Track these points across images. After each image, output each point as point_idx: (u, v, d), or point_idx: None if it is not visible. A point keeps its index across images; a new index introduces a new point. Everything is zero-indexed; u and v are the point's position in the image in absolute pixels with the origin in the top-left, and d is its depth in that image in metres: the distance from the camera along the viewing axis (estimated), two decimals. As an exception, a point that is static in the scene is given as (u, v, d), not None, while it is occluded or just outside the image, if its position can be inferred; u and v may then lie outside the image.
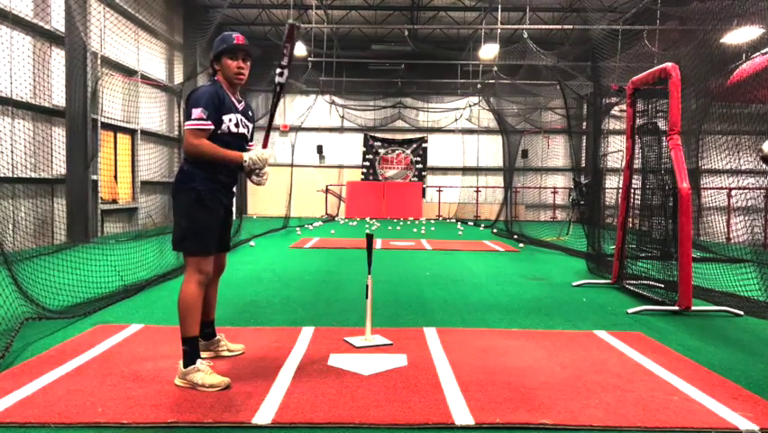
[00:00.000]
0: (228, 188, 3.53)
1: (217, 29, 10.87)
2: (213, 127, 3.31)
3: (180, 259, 7.62)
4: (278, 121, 21.99)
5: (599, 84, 9.96)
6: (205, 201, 3.34)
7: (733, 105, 7.56)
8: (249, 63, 3.51)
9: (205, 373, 3.21)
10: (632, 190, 6.90)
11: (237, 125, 3.45)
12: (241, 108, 3.54)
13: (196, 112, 3.27)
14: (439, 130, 22.38)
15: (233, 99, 3.49)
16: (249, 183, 22.93)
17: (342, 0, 17.20)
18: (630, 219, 6.89)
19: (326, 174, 22.13)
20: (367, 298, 4.16)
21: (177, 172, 3.45)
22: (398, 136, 22.42)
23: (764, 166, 3.53)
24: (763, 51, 7.97)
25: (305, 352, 3.94)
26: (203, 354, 3.68)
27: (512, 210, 16.32)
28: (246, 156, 3.33)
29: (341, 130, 22.47)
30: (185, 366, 3.25)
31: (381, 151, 22.39)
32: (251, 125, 3.64)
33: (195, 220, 3.33)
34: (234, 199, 3.75)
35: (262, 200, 21.07)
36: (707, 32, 7.09)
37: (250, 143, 3.66)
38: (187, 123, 3.28)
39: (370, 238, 4.26)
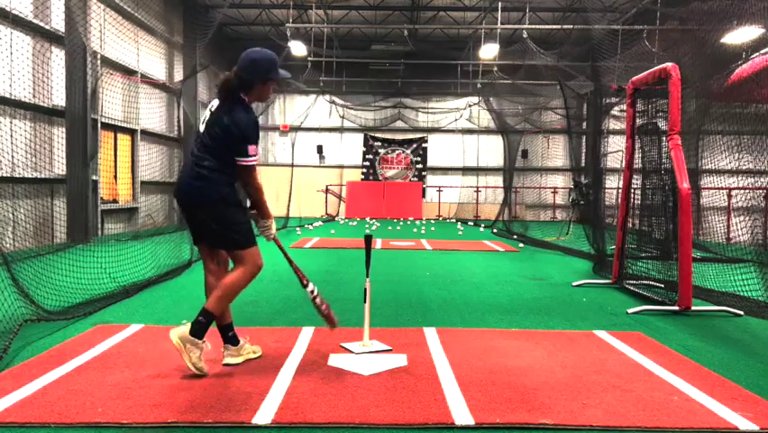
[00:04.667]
0: None
1: (217, 29, 10.87)
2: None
3: (181, 258, 7.65)
4: (278, 121, 22.01)
5: (599, 84, 9.95)
6: (231, 200, 3.47)
7: (733, 105, 7.56)
8: None
9: (201, 353, 3.33)
10: (632, 190, 6.90)
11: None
12: None
13: (253, 148, 3.45)
14: (439, 130, 22.38)
15: None
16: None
17: (342, 0, 17.21)
18: (630, 219, 6.88)
19: (326, 174, 22.12)
20: (365, 302, 4.05)
21: (192, 179, 3.45)
22: (398, 136, 22.41)
23: (765, 166, 3.49)
24: (763, 51, 7.97)
25: (305, 352, 3.94)
26: (237, 360, 3.67)
27: (512, 210, 16.32)
28: (271, 221, 3.70)
29: (341, 130, 22.47)
30: (191, 333, 3.30)
31: (381, 151, 22.39)
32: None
33: (232, 219, 3.46)
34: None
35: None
36: (707, 32, 7.09)
37: (240, 159, 3.70)
38: (247, 159, 3.45)
39: (368, 239, 4.11)
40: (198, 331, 3.31)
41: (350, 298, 5.87)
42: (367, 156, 22.39)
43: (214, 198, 3.43)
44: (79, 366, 3.53)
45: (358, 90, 21.67)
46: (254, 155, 3.44)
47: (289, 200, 16.39)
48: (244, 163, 3.44)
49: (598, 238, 8.43)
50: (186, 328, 3.31)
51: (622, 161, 7.52)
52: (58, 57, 10.37)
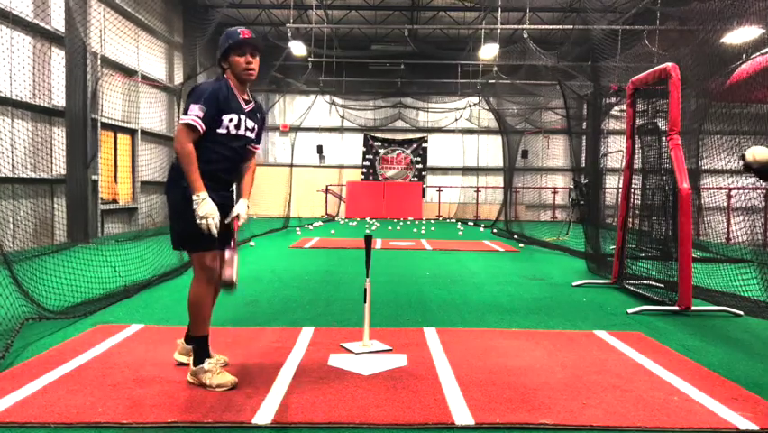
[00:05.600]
0: (222, 186, 3.41)
1: (217, 29, 10.85)
2: (203, 130, 3.20)
3: (182, 258, 7.64)
4: (277, 121, 21.99)
5: (599, 84, 9.95)
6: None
7: (733, 105, 7.56)
8: (258, 58, 3.38)
9: (212, 373, 3.21)
10: (632, 190, 6.90)
11: (238, 126, 3.33)
12: (248, 109, 3.42)
13: (194, 108, 3.17)
14: (439, 130, 22.38)
15: (241, 99, 3.38)
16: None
17: (342, 0, 17.21)
18: (630, 219, 6.88)
19: (326, 174, 22.12)
20: (365, 302, 4.05)
21: (169, 169, 3.37)
22: (398, 136, 22.41)
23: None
24: (763, 51, 7.96)
25: (305, 352, 3.94)
26: (183, 360, 3.57)
27: (512, 210, 16.32)
28: (202, 197, 3.13)
29: (341, 130, 22.46)
30: (194, 365, 3.25)
31: (381, 151, 22.39)
32: (257, 127, 3.52)
33: (187, 219, 3.19)
34: (234, 196, 3.62)
35: (262, 200, 21.05)
36: (707, 32, 7.09)
37: (256, 146, 3.57)
38: (183, 117, 3.20)
39: (368, 239, 4.11)
40: (198, 359, 3.26)
41: (350, 298, 5.87)
42: (367, 156, 22.38)
43: (174, 186, 3.26)
44: (79, 366, 3.53)
45: (358, 90, 21.67)
46: (193, 114, 3.15)
47: (289, 200, 16.39)
48: (181, 121, 3.19)
49: (594, 238, 8.43)
50: (191, 364, 3.29)
51: (622, 161, 7.52)
52: (58, 57, 10.38)
